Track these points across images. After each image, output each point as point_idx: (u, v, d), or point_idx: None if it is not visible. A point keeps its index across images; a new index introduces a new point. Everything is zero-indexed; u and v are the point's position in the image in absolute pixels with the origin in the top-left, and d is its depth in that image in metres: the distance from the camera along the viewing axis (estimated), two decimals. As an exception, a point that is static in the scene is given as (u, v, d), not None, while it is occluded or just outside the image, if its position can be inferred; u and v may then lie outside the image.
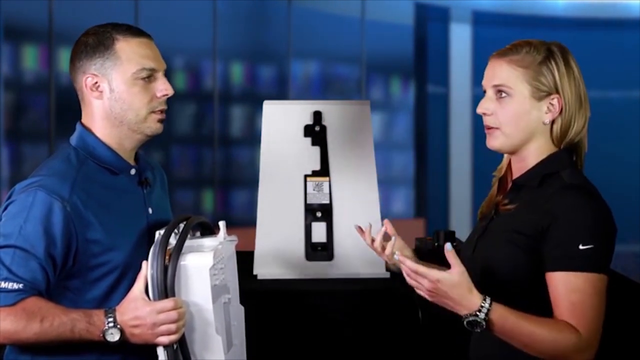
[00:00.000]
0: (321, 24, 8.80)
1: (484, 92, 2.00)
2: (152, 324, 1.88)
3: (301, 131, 2.79)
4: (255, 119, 8.15)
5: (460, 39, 10.05)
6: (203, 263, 1.93)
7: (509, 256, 1.92)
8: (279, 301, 2.62)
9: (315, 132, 2.79)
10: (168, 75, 2.08)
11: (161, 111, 2.05)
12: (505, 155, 2.07)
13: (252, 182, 7.60)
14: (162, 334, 1.89)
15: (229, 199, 8.19)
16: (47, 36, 6.75)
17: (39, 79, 6.82)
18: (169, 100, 2.08)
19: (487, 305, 1.82)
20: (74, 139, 2.06)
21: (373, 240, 2.22)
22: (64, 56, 6.81)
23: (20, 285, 1.89)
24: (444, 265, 2.21)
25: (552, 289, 1.87)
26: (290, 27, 8.48)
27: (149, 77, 2.03)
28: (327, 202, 2.77)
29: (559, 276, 1.86)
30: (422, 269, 1.84)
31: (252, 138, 8.10)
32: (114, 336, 1.89)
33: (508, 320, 1.83)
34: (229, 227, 2.08)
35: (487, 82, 1.98)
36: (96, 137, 2.04)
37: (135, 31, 2.04)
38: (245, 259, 2.56)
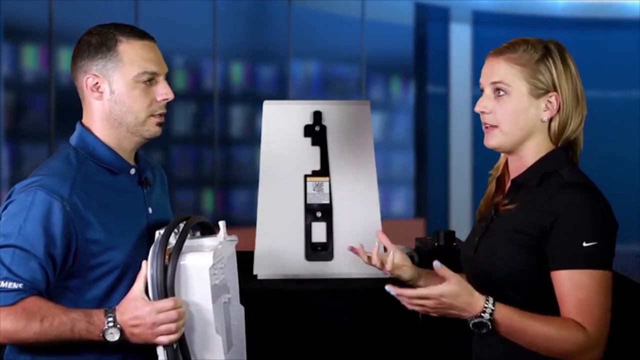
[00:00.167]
0: (321, 24, 8.80)
1: (482, 90, 2.00)
2: (152, 323, 1.88)
3: (301, 131, 2.79)
4: (255, 119, 8.15)
5: (460, 39, 10.04)
6: (203, 263, 1.93)
7: (512, 256, 1.93)
8: (279, 301, 2.62)
9: (315, 132, 2.79)
10: (168, 75, 2.08)
11: (160, 115, 2.05)
12: (502, 155, 2.07)
13: (252, 182, 7.59)
14: (162, 334, 1.89)
15: (229, 199, 8.19)
16: (47, 36, 6.75)
17: (39, 79, 6.82)
18: (169, 101, 2.08)
19: (490, 305, 1.84)
20: (73, 139, 2.06)
21: (370, 258, 2.16)
22: (64, 56, 6.81)
23: (20, 285, 1.89)
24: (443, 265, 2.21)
25: (558, 287, 1.88)
26: (290, 27, 8.48)
27: (150, 81, 2.03)
28: (327, 202, 2.77)
29: (564, 274, 1.87)
30: (422, 292, 1.85)
31: (252, 138, 8.10)
32: (113, 336, 1.89)
33: (513, 319, 1.85)
34: (229, 227, 2.08)
35: (485, 80, 1.98)
36: (96, 137, 2.04)
37: (138, 33, 2.04)
38: (245, 259, 2.57)
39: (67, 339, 1.89)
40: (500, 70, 1.95)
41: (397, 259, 2.14)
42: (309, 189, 2.77)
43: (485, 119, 1.97)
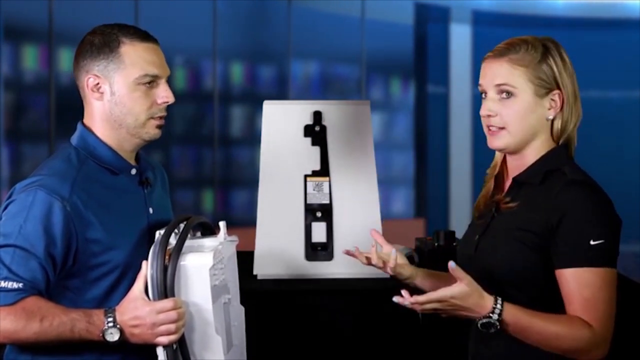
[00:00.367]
0: (321, 24, 8.80)
1: (482, 93, 1.99)
2: (152, 324, 1.88)
3: (301, 131, 2.80)
4: (255, 119, 8.15)
5: (460, 39, 10.04)
6: (203, 263, 1.93)
7: (515, 254, 1.93)
8: (279, 301, 2.62)
9: (315, 132, 2.79)
10: (169, 76, 2.07)
11: (160, 117, 2.05)
12: (499, 154, 2.07)
13: (252, 182, 7.59)
14: (162, 334, 1.89)
15: (229, 199, 8.19)
16: (47, 36, 6.75)
17: (39, 79, 6.82)
18: (170, 104, 2.08)
19: (499, 306, 1.84)
20: (74, 139, 2.06)
21: (369, 259, 2.15)
22: (64, 56, 6.80)
23: (20, 285, 1.89)
24: (443, 264, 2.21)
25: (564, 285, 1.89)
26: (290, 27, 8.48)
27: (151, 83, 2.03)
28: (327, 202, 2.77)
29: (571, 272, 1.88)
30: (434, 295, 1.85)
31: (252, 138, 8.09)
32: (113, 336, 1.89)
33: (521, 319, 1.86)
34: (229, 227, 2.08)
35: (488, 83, 1.97)
36: (97, 137, 2.04)
37: (142, 35, 2.03)
38: (245, 259, 2.57)
39: (67, 339, 1.89)
40: (503, 72, 1.95)
41: (397, 258, 2.14)
42: (309, 189, 2.77)
43: (491, 121, 1.97)
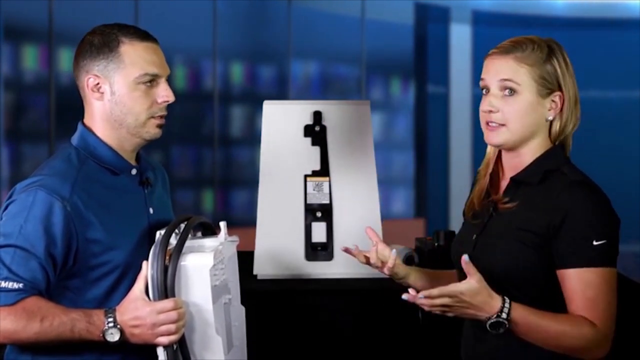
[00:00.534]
0: (321, 24, 8.80)
1: (483, 88, 1.99)
2: (152, 324, 1.88)
3: (301, 131, 2.80)
4: (255, 119, 8.15)
5: (460, 39, 10.04)
6: (203, 263, 1.93)
7: (515, 253, 1.93)
8: (279, 301, 2.62)
9: (315, 132, 2.79)
10: (169, 75, 2.07)
11: (161, 117, 2.05)
12: (491, 151, 2.07)
13: (252, 182, 7.58)
14: (162, 334, 1.89)
15: (229, 199, 8.19)
16: (47, 36, 6.75)
17: (39, 79, 6.82)
18: (170, 103, 2.08)
19: (507, 305, 1.85)
20: (75, 139, 2.06)
21: (367, 258, 2.14)
22: (64, 56, 6.80)
23: (21, 285, 1.89)
24: (443, 264, 2.21)
25: (567, 285, 1.90)
26: (290, 27, 8.48)
27: (151, 82, 2.03)
28: (327, 202, 2.77)
29: (573, 272, 1.89)
30: (445, 289, 1.84)
31: (252, 138, 8.09)
32: (113, 336, 1.89)
33: (529, 318, 1.87)
34: (228, 227, 2.08)
35: (492, 78, 1.97)
36: (97, 137, 2.04)
37: (141, 35, 2.03)
38: (245, 259, 2.57)
39: (67, 339, 1.89)
40: (509, 68, 1.95)
41: (393, 257, 2.13)
42: (309, 189, 2.77)
43: (492, 117, 1.97)
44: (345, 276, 2.73)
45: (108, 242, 1.97)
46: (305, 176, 2.78)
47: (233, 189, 8.21)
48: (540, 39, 1.99)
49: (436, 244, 2.82)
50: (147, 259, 1.92)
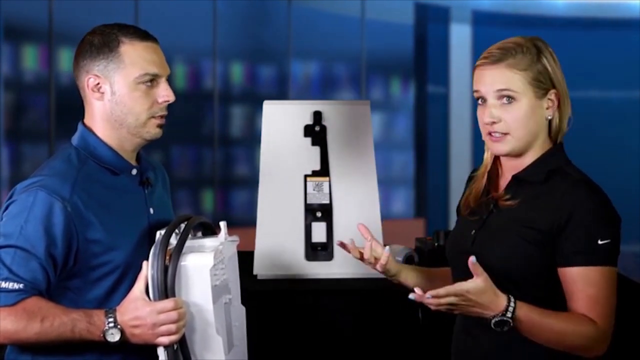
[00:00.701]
0: (321, 24, 8.80)
1: (480, 98, 1.99)
2: (153, 324, 1.88)
3: (301, 131, 2.80)
4: (255, 119, 8.15)
5: (460, 39, 10.04)
6: (203, 263, 1.93)
7: (516, 249, 1.94)
8: (279, 301, 2.62)
9: (315, 132, 2.79)
10: (169, 75, 2.07)
11: (161, 117, 2.05)
12: (489, 156, 2.08)
13: (252, 182, 7.58)
14: (163, 334, 1.89)
15: (229, 199, 8.19)
16: (47, 36, 6.75)
17: (39, 79, 6.82)
18: (170, 103, 2.08)
19: (512, 304, 1.86)
20: (75, 139, 2.06)
21: (362, 255, 2.13)
22: (64, 56, 6.81)
23: (21, 285, 1.89)
24: (443, 264, 2.21)
25: (569, 283, 1.91)
26: (290, 27, 8.48)
27: (152, 82, 2.03)
28: (327, 202, 2.77)
29: (577, 271, 1.90)
30: (452, 288, 1.85)
31: (252, 138, 8.10)
32: (114, 336, 1.89)
33: (533, 317, 1.87)
34: (228, 227, 2.08)
35: (488, 89, 1.97)
36: (97, 137, 2.04)
37: (141, 35, 2.03)
38: (245, 259, 2.57)
39: (67, 339, 1.89)
40: (503, 77, 1.95)
41: (387, 255, 2.13)
42: (309, 189, 2.77)
43: (495, 128, 1.96)
44: (345, 276, 2.73)
45: (108, 243, 1.97)
46: (305, 176, 2.78)
47: (233, 189, 8.21)
48: (526, 39, 1.99)
49: (436, 244, 2.82)
50: (147, 259, 1.92)
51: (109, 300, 1.98)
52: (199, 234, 2.10)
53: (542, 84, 1.96)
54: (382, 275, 2.42)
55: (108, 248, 1.97)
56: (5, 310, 1.88)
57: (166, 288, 1.90)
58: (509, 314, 1.85)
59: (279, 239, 2.74)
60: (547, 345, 1.90)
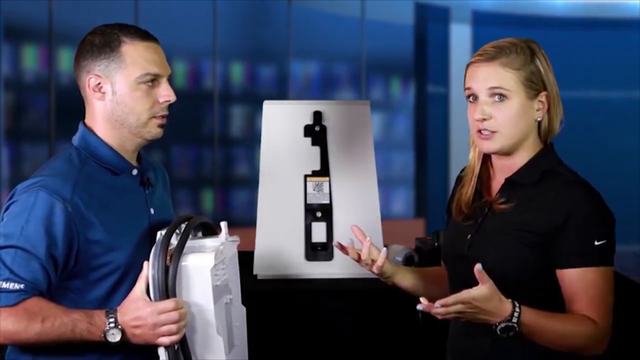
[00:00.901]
0: (321, 24, 8.80)
1: (471, 96, 1.99)
2: (153, 324, 1.88)
3: (301, 131, 2.80)
4: (255, 119, 8.15)
5: (460, 39, 10.05)
6: (204, 263, 1.93)
7: (513, 252, 1.95)
8: (279, 301, 2.62)
9: (315, 132, 2.79)
10: (169, 75, 2.07)
11: (162, 117, 2.05)
12: (475, 156, 2.08)
13: (252, 182, 7.58)
14: (163, 335, 1.89)
15: (229, 199, 8.19)
16: (47, 36, 6.75)
17: (39, 79, 6.82)
18: (171, 102, 2.08)
19: (517, 309, 1.86)
20: (76, 139, 2.06)
21: (359, 256, 2.11)
22: (64, 56, 6.81)
23: (22, 286, 1.89)
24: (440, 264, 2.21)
25: (568, 285, 1.92)
26: (290, 27, 8.48)
27: (153, 82, 2.03)
28: (327, 202, 2.77)
29: (576, 272, 1.91)
30: (459, 296, 1.84)
31: (252, 138, 8.10)
32: (115, 337, 1.89)
33: (537, 320, 1.88)
34: (228, 227, 2.08)
35: (480, 86, 1.97)
36: (98, 138, 2.04)
37: (142, 34, 2.03)
38: (245, 259, 2.57)
39: (68, 340, 1.89)
40: (496, 75, 1.96)
41: (383, 257, 2.11)
42: (309, 189, 2.77)
43: (485, 125, 1.97)
44: (345, 276, 2.73)
45: (109, 243, 1.97)
46: (305, 176, 2.78)
47: (233, 189, 8.21)
48: (520, 40, 2.00)
49: (436, 244, 2.82)
50: (148, 260, 1.92)
51: (110, 301, 1.98)
52: (200, 234, 2.10)
53: (534, 85, 1.97)
54: (382, 276, 2.42)
55: (109, 248, 1.97)
56: (6, 310, 1.88)
57: (167, 288, 1.90)
58: (514, 320, 1.85)
59: (279, 239, 2.74)
60: (548, 347, 1.91)
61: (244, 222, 7.43)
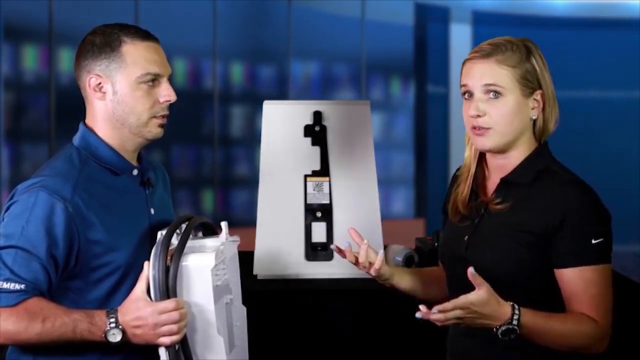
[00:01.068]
0: (321, 24, 8.80)
1: (466, 93, 2.00)
2: (154, 324, 1.88)
3: (301, 131, 2.80)
4: (255, 119, 8.15)
5: (460, 39, 10.05)
6: (205, 263, 1.93)
7: (510, 253, 1.95)
8: (279, 301, 2.62)
9: (315, 132, 2.79)
10: (170, 74, 2.07)
11: (163, 116, 2.05)
12: (471, 155, 2.07)
13: (252, 182, 7.58)
14: (164, 335, 1.89)
15: (229, 199, 8.19)
16: (47, 36, 6.75)
17: (39, 79, 6.82)
18: (172, 102, 2.08)
19: (517, 311, 1.85)
20: (76, 139, 2.06)
21: (357, 259, 2.11)
22: (64, 56, 6.81)
23: (22, 286, 1.89)
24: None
25: (568, 284, 1.92)
26: (290, 27, 8.48)
27: (153, 82, 2.03)
28: (327, 202, 2.77)
29: (575, 272, 1.91)
30: (456, 302, 1.83)
31: (252, 138, 8.10)
32: (115, 337, 1.89)
33: (537, 321, 1.88)
34: (228, 227, 2.08)
35: (475, 83, 1.98)
36: (98, 138, 2.04)
37: (143, 34, 2.03)
38: (245, 259, 2.57)
39: (68, 340, 1.89)
40: (492, 72, 1.96)
41: (380, 259, 2.11)
42: (309, 189, 2.77)
43: (479, 122, 1.98)
44: (345, 276, 2.73)
45: (109, 243, 1.97)
46: (305, 176, 2.78)
47: (233, 189, 8.21)
48: (517, 39, 2.00)
49: (436, 244, 2.82)
50: (148, 260, 1.92)
51: (110, 301, 1.98)
52: (200, 234, 2.10)
53: (529, 83, 1.97)
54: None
55: (109, 249, 1.97)
56: (7, 310, 1.88)
57: (167, 288, 1.90)
58: (514, 322, 1.85)
59: (279, 239, 2.74)
60: (549, 347, 1.91)
61: (244, 222, 7.43)
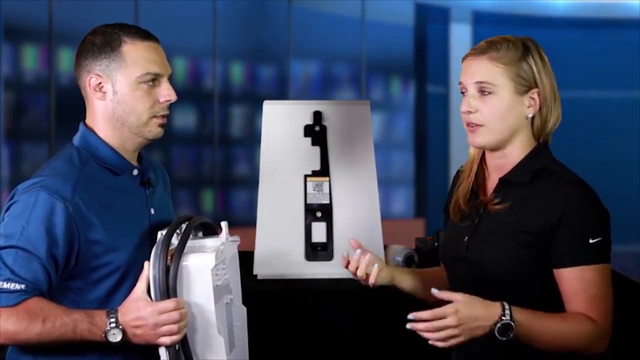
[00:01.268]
0: (321, 24, 8.80)
1: (463, 90, 2.00)
2: (154, 324, 1.88)
3: (301, 131, 2.80)
4: (255, 119, 8.15)
5: (460, 39, 10.05)
6: (205, 263, 1.93)
7: (510, 253, 1.94)
8: (279, 301, 2.62)
9: (315, 132, 2.79)
10: (170, 75, 2.07)
11: (163, 116, 2.05)
12: (475, 153, 2.08)
13: (252, 182, 7.58)
14: (164, 335, 1.89)
15: (229, 199, 8.19)
16: (47, 36, 6.75)
17: (39, 79, 6.82)
18: (172, 102, 2.08)
19: (507, 307, 1.85)
20: (76, 139, 2.06)
21: (357, 268, 2.12)
22: (64, 56, 6.81)
23: (22, 286, 1.89)
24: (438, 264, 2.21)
25: (567, 284, 1.91)
26: (290, 27, 8.48)
27: (153, 82, 2.03)
28: (327, 202, 2.77)
29: (573, 272, 1.91)
30: (438, 311, 1.83)
31: (252, 138, 8.10)
32: (115, 337, 1.89)
33: (532, 319, 1.87)
34: (228, 227, 2.08)
35: (468, 80, 1.98)
36: (98, 138, 2.04)
37: (143, 34, 2.03)
38: (245, 259, 2.57)
39: (69, 340, 1.89)
40: (484, 69, 1.97)
41: (374, 274, 2.11)
42: (309, 189, 2.77)
43: (471, 118, 1.98)
44: (345, 276, 2.72)
45: (109, 243, 1.97)
46: (305, 176, 2.78)
47: (233, 189, 8.21)
48: (516, 37, 2.00)
49: (436, 244, 2.82)
50: (148, 260, 1.92)
51: (110, 301, 1.98)
52: (200, 234, 2.10)
53: (524, 81, 1.97)
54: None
55: (109, 249, 1.97)
56: (7, 310, 1.88)
57: (168, 288, 1.90)
58: (507, 316, 1.84)
59: (279, 239, 2.74)
60: (550, 348, 1.90)
61: (244, 222, 7.43)
